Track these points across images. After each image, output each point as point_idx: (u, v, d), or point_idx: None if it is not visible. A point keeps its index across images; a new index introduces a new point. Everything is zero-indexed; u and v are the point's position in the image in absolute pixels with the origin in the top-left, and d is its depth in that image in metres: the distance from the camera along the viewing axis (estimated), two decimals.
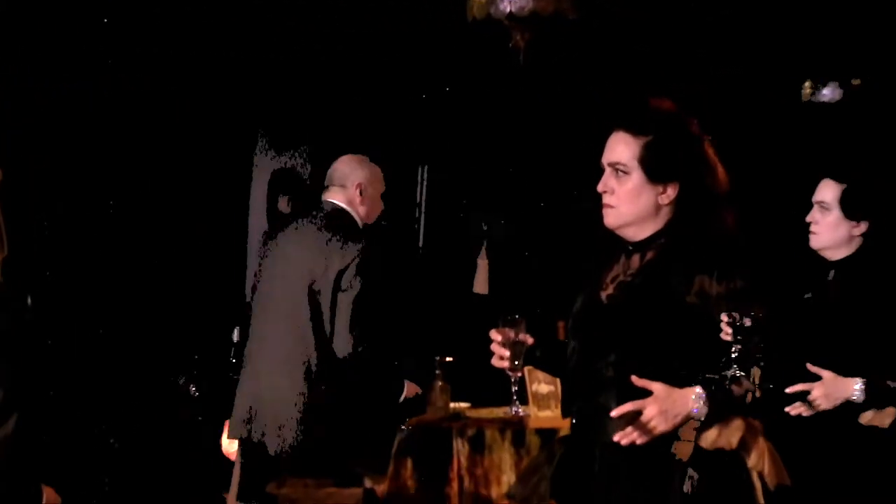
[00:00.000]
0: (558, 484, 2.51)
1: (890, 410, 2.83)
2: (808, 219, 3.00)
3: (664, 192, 2.46)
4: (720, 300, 2.35)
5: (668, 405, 2.27)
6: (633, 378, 2.30)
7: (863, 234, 2.91)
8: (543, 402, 4.47)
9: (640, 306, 2.40)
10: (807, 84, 5.66)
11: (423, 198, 6.04)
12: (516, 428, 4.35)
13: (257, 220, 6.51)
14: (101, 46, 5.44)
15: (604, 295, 2.49)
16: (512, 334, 2.54)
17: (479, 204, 6.14)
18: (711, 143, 2.50)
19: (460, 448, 4.31)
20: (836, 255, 2.98)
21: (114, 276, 5.67)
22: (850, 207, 2.89)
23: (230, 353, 5.49)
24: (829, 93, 5.51)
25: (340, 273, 3.72)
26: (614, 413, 2.29)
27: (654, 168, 2.45)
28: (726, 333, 2.43)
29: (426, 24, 6.02)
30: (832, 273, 2.99)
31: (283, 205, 6.46)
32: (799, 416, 2.71)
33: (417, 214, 5.99)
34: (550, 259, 6.12)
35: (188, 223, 5.98)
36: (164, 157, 5.90)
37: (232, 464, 5.15)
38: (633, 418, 2.27)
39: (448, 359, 4.53)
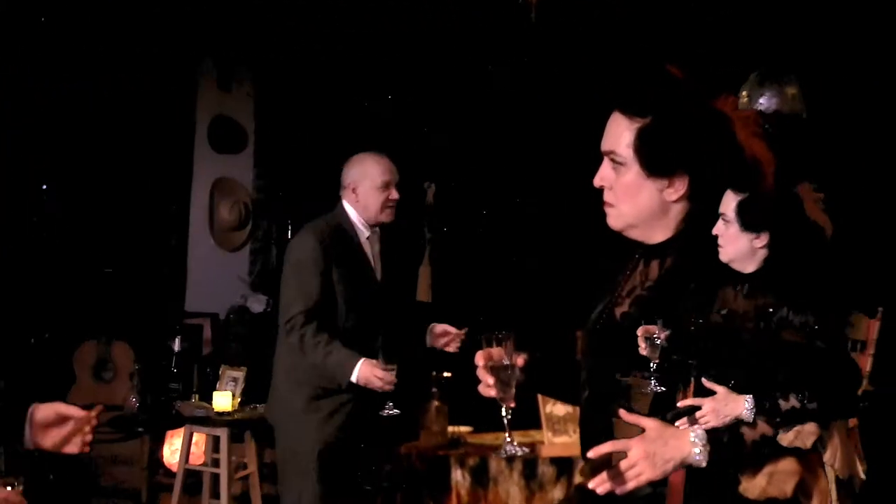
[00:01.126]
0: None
1: (811, 429, 2.72)
2: (713, 231, 2.87)
3: (670, 186, 2.05)
4: (749, 319, 2.03)
5: (657, 447, 1.90)
6: (621, 412, 1.96)
7: (766, 247, 2.84)
8: (559, 426, 3.82)
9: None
10: (743, 93, 5.70)
11: None
12: (527, 457, 3.66)
13: (198, 230, 6.46)
14: (35, 49, 5.38)
15: (618, 311, 2.12)
16: (499, 355, 2.12)
17: (422, 209, 6.14)
18: (757, 122, 2.08)
19: (460, 480, 3.77)
20: (746, 268, 2.88)
21: (51, 286, 5.59)
22: (745, 219, 2.79)
23: (171, 363, 5.44)
24: (765, 101, 5.55)
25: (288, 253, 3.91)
26: (590, 454, 1.92)
27: (653, 158, 2.02)
28: (642, 349, 2.23)
29: (376, 26, 6.03)
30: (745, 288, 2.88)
31: (225, 213, 6.42)
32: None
33: None
34: (497, 265, 6.15)
35: (128, 233, 5.92)
36: (103, 165, 5.84)
37: (173, 475, 5.10)
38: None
39: (445, 374, 4.07)
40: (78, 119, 5.69)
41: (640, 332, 2.32)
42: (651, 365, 2.35)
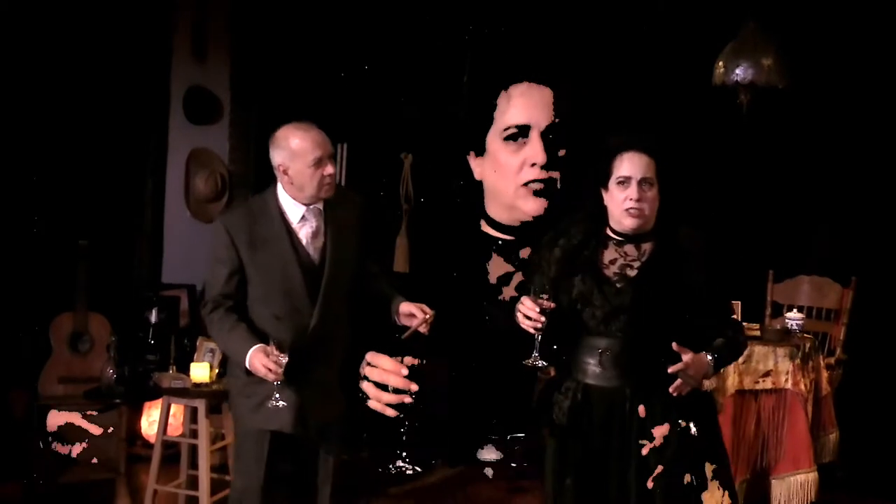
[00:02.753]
0: (576, 414, 2.89)
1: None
2: (634, 197, 2.88)
3: None
4: (701, 285, 2.84)
5: (697, 366, 2.81)
6: (674, 345, 2.75)
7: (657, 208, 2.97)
8: None
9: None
10: (719, 63, 5.70)
11: (343, 176, 6.02)
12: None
13: (174, 201, 6.43)
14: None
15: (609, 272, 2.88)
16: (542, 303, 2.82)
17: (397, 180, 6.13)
18: None
19: None
20: (646, 227, 2.97)
21: (26, 257, 5.56)
22: (666, 180, 2.95)
23: (148, 335, 5.43)
24: (741, 72, 5.55)
25: None
26: (670, 370, 2.75)
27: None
28: (528, 321, 2.82)
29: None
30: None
31: (201, 184, 6.39)
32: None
33: None
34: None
35: (103, 205, 5.89)
36: (77, 137, 5.80)
37: (151, 446, 5.11)
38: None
39: None
40: (51, 90, 5.65)
41: (528, 299, 2.82)
42: (535, 339, 2.82)
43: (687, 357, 2.77)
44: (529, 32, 5.99)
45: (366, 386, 2.37)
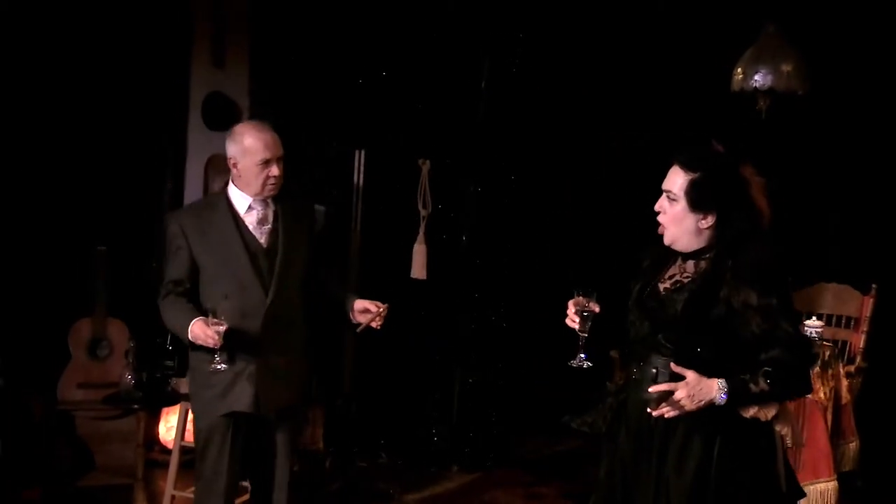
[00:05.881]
0: (615, 422, 2.94)
1: (772, 404, 2.80)
2: (656, 207, 2.86)
3: (704, 219, 2.81)
4: (708, 300, 2.74)
5: (695, 391, 2.67)
6: (671, 365, 2.72)
7: (712, 228, 2.81)
8: None
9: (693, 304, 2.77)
10: (738, 69, 5.69)
11: (361, 182, 6.02)
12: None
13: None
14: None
15: (661, 287, 2.87)
16: (584, 302, 2.84)
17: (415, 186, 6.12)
18: (764, 185, 2.84)
19: None
20: (689, 247, 2.86)
21: (45, 263, 5.59)
22: (695, 198, 2.79)
23: (166, 341, 5.44)
24: (760, 79, 5.54)
25: None
26: (651, 389, 2.71)
27: (695, 200, 2.80)
28: (571, 321, 2.87)
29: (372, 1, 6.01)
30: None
31: (219, 188, 6.40)
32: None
33: (354, 199, 5.96)
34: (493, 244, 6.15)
35: (122, 210, 5.91)
36: (97, 142, 5.82)
37: (169, 451, 5.11)
38: (667, 395, 2.68)
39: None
40: (70, 96, 5.68)
41: (571, 303, 2.84)
42: (580, 339, 2.83)
43: (689, 376, 2.69)
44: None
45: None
